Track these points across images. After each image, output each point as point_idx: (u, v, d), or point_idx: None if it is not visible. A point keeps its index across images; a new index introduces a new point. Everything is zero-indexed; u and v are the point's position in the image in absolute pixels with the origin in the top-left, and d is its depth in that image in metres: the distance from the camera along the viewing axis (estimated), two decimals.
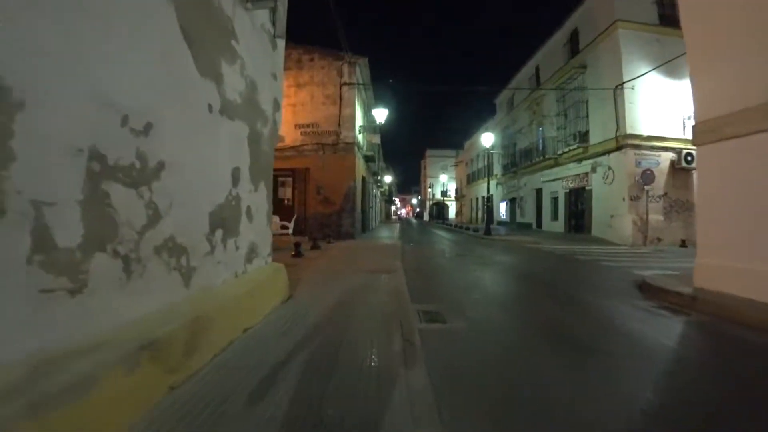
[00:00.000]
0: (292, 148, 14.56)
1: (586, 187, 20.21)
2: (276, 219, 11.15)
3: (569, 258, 10.60)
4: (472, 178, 44.80)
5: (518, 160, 29.17)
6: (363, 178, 16.86)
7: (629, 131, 17.17)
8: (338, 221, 14.06)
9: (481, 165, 40.88)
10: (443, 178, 42.61)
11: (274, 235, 11.51)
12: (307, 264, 7.64)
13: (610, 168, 18.26)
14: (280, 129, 13.08)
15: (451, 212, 57.93)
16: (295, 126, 14.68)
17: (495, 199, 35.76)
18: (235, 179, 3.41)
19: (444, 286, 6.42)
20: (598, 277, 7.65)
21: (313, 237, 13.58)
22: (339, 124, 14.35)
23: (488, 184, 19.53)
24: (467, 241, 16.48)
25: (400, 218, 74.94)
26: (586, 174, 20.06)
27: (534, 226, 26.80)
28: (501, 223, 33.76)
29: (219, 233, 3.10)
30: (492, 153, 33.27)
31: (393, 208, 76.28)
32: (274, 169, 13.81)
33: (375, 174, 25.21)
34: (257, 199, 3.92)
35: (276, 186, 14.86)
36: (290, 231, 10.65)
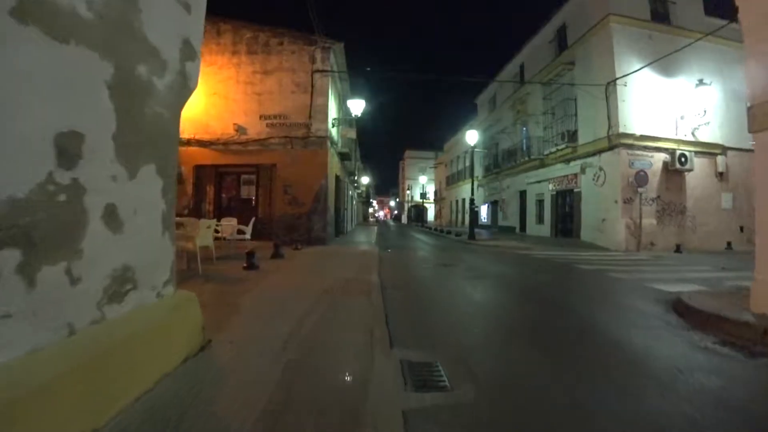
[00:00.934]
0: (257, 141, 12.91)
1: (575, 189, 19.18)
2: (233, 222, 9.54)
3: (569, 267, 9.32)
4: (452, 180, 43.72)
5: (501, 161, 28.13)
6: (337, 177, 15.32)
7: (622, 130, 16.18)
8: (308, 224, 12.47)
9: (461, 166, 39.86)
10: (423, 179, 41.37)
11: (230, 240, 9.98)
12: (258, 281, 6.06)
13: (601, 169, 17.25)
14: (241, 119, 11.37)
15: (430, 215, 56.82)
16: (261, 117, 13.03)
17: (477, 201, 34.66)
18: (69, 154, 1.83)
19: (433, 313, 4.94)
20: (613, 294, 6.34)
21: (278, 242, 11.98)
22: (310, 116, 12.77)
23: (473, 185, 18.30)
24: (452, 247, 15.12)
25: (377, 221, 73.47)
26: (575, 175, 19.03)
27: (518, 229, 25.75)
28: (482, 226, 32.68)
29: (8, 256, 1.54)
30: (475, 153, 32.53)
31: (371, 210, 74.77)
32: (235, 165, 11.87)
33: (351, 174, 23.68)
34: (136, 192, 2.34)
35: (237, 184, 13.19)
36: (248, 236, 9.05)
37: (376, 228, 34.93)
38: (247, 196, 13.31)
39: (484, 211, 33.00)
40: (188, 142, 13.33)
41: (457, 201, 41.78)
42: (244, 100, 13.21)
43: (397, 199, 78.11)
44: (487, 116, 31.97)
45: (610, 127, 16.77)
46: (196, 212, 13.16)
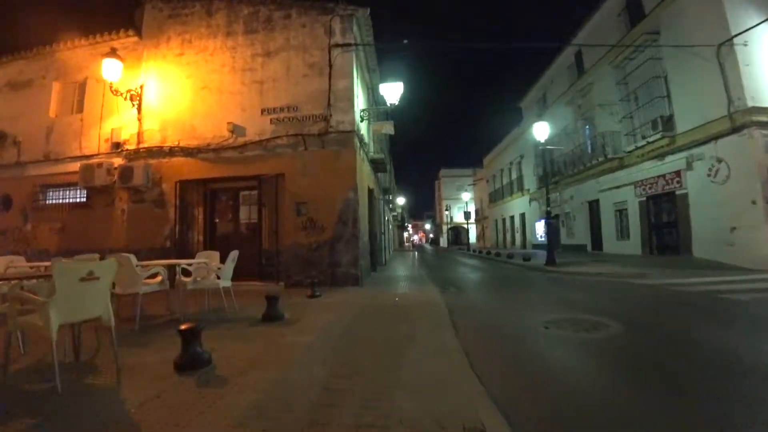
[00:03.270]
0: (258, 144, 9.38)
1: (677, 191, 14.66)
2: (215, 256, 5.88)
3: (737, 307, 5.11)
4: (496, 196, 39.30)
5: (559, 168, 23.72)
6: (370, 191, 11.55)
7: (751, 104, 11.80)
8: (331, 257, 8.64)
9: (507, 180, 35.56)
10: (466, 196, 37.17)
11: (198, 286, 5.57)
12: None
13: (720, 160, 12.79)
14: (238, 117, 7.48)
15: (471, 236, 52.22)
16: (263, 111, 9.55)
17: (529, 217, 30.26)
18: None
19: None
20: None
21: (290, 282, 8.28)
22: (329, 104, 9.16)
23: (547, 191, 14.08)
24: (530, 279, 10.94)
25: (413, 245, 69.35)
26: (677, 173, 14.54)
27: (589, 248, 21.11)
28: (537, 245, 28.01)
29: None
30: (525, 162, 28.29)
31: (405, 234, 70.83)
32: (230, 179, 7.63)
33: (386, 192, 19.92)
34: None
35: (235, 204, 9.64)
36: (223, 282, 5.36)
37: (414, 254, 30.87)
38: (247, 220, 9.68)
39: (539, 229, 28.37)
40: (170, 152, 9.97)
41: (503, 219, 37.24)
42: (241, 91, 9.81)
43: (435, 221, 73.90)
44: (535, 120, 27.63)
45: (730, 102, 12.41)
46: (182, 245, 9.64)
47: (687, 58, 13.88)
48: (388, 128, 10.45)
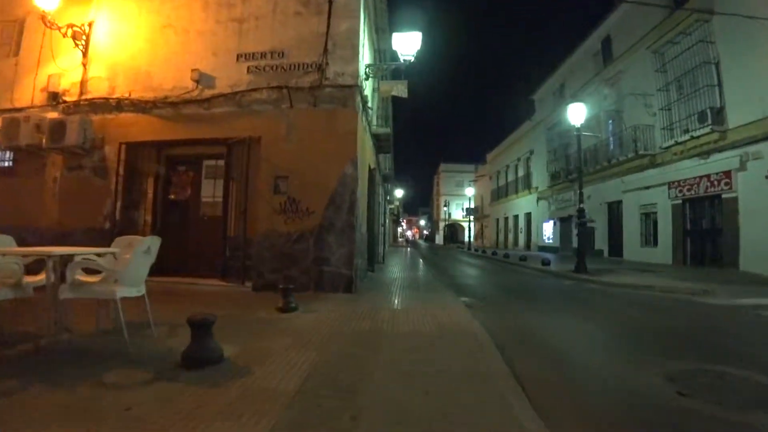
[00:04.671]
0: (229, 98, 7.13)
1: (725, 195, 12.66)
2: (138, 243, 3.62)
3: None
4: (499, 194, 37.23)
5: (576, 165, 21.58)
6: (371, 171, 9.29)
7: None
8: (318, 251, 6.40)
9: (513, 176, 33.51)
10: (469, 191, 34.99)
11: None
12: None
13: None
14: (206, 63, 6.38)
15: (467, 234, 50.16)
16: (239, 57, 7.30)
17: (536, 217, 28.27)
18: None
19: None
20: None
21: (260, 283, 6.17)
22: (326, 50, 6.91)
23: (580, 186, 11.92)
24: (578, 293, 8.79)
25: (407, 241, 67.29)
26: (726, 173, 12.56)
27: (606, 253, 19.10)
28: (545, 248, 26.01)
29: None
30: (535, 158, 26.07)
31: (399, 229, 68.69)
32: (191, 143, 7.51)
33: (386, 179, 17.69)
34: None
35: (197, 177, 7.43)
36: (120, 286, 3.14)
37: (411, 250, 28.72)
38: (211, 199, 7.42)
39: (548, 230, 26.36)
40: (118, 106, 7.71)
41: (506, 218, 35.22)
42: (214, 31, 7.55)
43: (431, 218, 71.74)
44: (551, 113, 25.61)
45: None
46: (125, 227, 7.40)
47: (747, 41, 11.89)
48: (401, 90, 8.16)
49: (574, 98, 22.25)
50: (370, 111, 8.44)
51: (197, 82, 7.28)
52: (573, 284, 9.75)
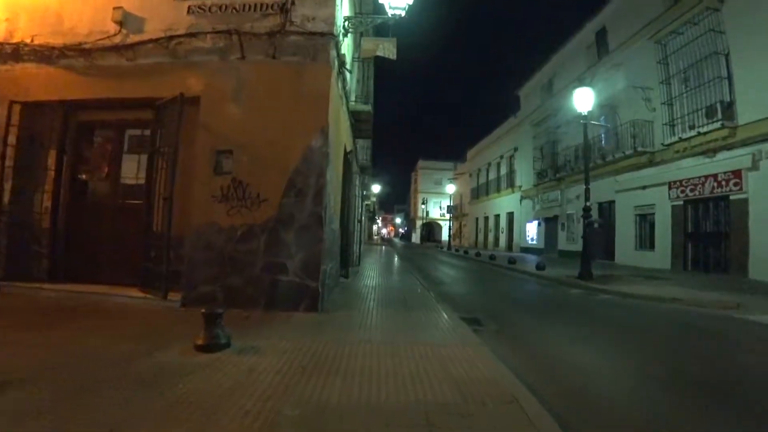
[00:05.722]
0: (161, 45, 5.33)
1: (733, 196, 11.61)
2: None
3: None
4: (479, 192, 36.08)
5: (565, 163, 20.51)
6: (347, 155, 7.55)
7: None
8: (272, 254, 4.69)
9: (494, 175, 32.38)
10: (450, 188, 33.54)
11: None
12: None
13: None
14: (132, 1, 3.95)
15: (446, 233, 49.04)
16: None
17: (518, 217, 27.17)
18: None
19: None
20: None
21: (192, 296, 4.43)
22: None
23: (587, 181, 10.45)
24: (594, 307, 7.38)
25: (382, 239, 65.79)
26: (736, 173, 11.52)
27: (595, 256, 17.96)
28: (528, 249, 24.94)
29: None
30: (519, 155, 24.66)
31: (374, 227, 67.04)
32: (109, 104, 5.99)
33: (364, 171, 15.99)
34: None
35: (117, 150, 5.62)
36: None
37: (388, 250, 27.12)
38: (135, 180, 5.57)
39: (532, 231, 25.26)
40: (15, 54, 5.81)
41: (486, 217, 34.10)
42: None
43: (408, 216, 70.32)
44: (538, 108, 24.47)
45: None
46: (17, 215, 5.51)
47: (760, 31, 10.88)
48: (388, 49, 6.44)
49: (564, 92, 21.19)
50: (348, 76, 6.73)
51: (120, 24, 5.46)
52: (583, 294, 8.33)
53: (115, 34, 5.52)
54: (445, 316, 4.93)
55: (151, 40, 5.38)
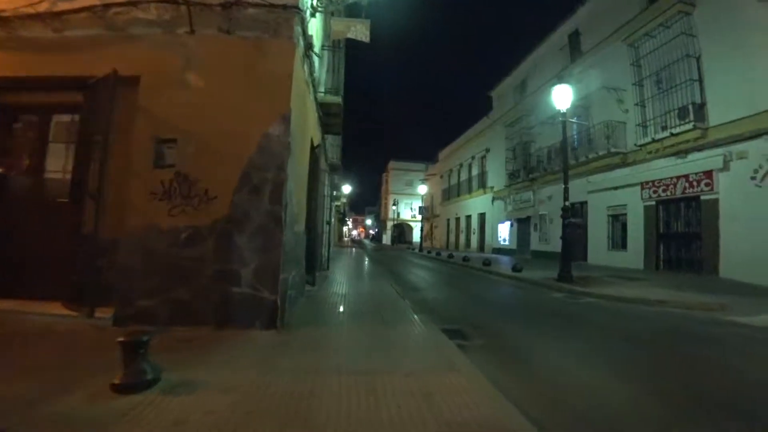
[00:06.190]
0: (95, 14, 4.51)
1: (704, 196, 11.68)
2: None
3: None
4: (451, 193, 35.93)
5: (538, 164, 20.44)
6: (314, 149, 6.85)
7: None
8: (222, 261, 4.00)
9: (466, 176, 32.28)
10: (422, 189, 33.07)
11: None
12: None
13: None
14: None
15: (416, 234, 48.73)
16: None
17: (490, 218, 27.08)
18: None
19: None
20: None
21: (129, 313, 3.66)
22: None
23: (566, 179, 10.07)
24: (586, 314, 6.98)
25: (353, 241, 65.03)
26: (707, 173, 11.60)
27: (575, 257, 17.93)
28: (500, 250, 24.85)
29: None
30: (491, 156, 24.66)
31: (345, 228, 66.17)
32: (31, 84, 5.00)
33: (334, 170, 15.31)
34: None
35: (27, 137, 4.74)
36: None
37: (359, 252, 26.44)
38: (62, 175, 4.73)
39: (504, 231, 25.17)
40: None
41: (457, 218, 33.95)
42: None
43: (379, 217, 69.75)
44: (511, 109, 24.41)
45: None
46: None
47: (732, 34, 11.09)
48: (361, 31, 5.78)
49: (537, 94, 21.18)
50: (316, 62, 6.07)
51: None
52: (567, 298, 7.94)
53: (40, 1, 4.67)
54: (426, 330, 4.35)
55: (83, 9, 4.55)
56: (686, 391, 3.12)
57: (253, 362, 3.04)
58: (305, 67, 5.32)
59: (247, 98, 4.21)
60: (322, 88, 7.87)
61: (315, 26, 5.88)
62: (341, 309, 5.47)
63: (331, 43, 7.45)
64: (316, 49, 6.01)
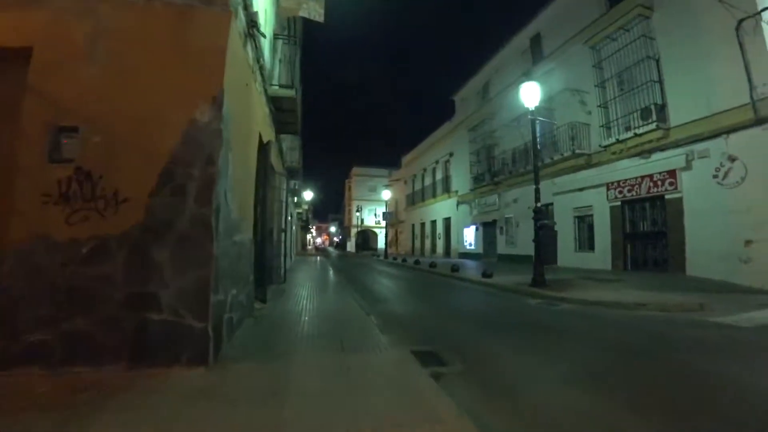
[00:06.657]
0: None
1: (668, 195, 11.72)
2: None
3: None
4: (415, 199, 35.58)
5: (503, 167, 20.33)
6: (263, 146, 6.03)
7: None
8: (138, 282, 3.16)
9: (430, 180, 32.04)
10: (386, 194, 32.37)
11: None
12: None
13: (733, 159, 10.13)
14: None
15: (380, 241, 48.12)
16: None
17: (455, 223, 26.85)
18: None
19: None
20: None
21: (15, 350, 2.67)
22: None
23: (536, 181, 9.76)
24: (558, 320, 6.52)
25: (317, 249, 63.79)
26: (671, 173, 11.65)
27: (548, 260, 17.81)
28: (467, 255, 24.58)
29: None
30: (456, 160, 24.02)
31: (308, 236, 64.80)
32: None
33: (293, 174, 14.44)
34: None
35: None
36: None
37: (322, 260, 25.50)
38: None
39: (469, 236, 24.93)
40: None
41: (422, 224, 33.60)
42: None
43: (342, 224, 68.71)
44: (474, 113, 24.33)
45: (752, 88, 9.74)
46: None
47: (689, 38, 11.24)
48: (314, 10, 5.06)
49: (499, 97, 21.13)
50: (265, 46, 5.29)
51: None
52: (544, 306, 7.45)
53: None
54: (396, 357, 3.61)
55: None
56: (711, 418, 2.56)
57: (166, 426, 2.21)
58: (248, 49, 4.52)
59: (170, 78, 3.36)
60: (275, 81, 7.08)
61: (263, 2, 5.10)
62: (294, 332, 4.60)
63: (287, 27, 6.67)
64: (265, 30, 5.24)
